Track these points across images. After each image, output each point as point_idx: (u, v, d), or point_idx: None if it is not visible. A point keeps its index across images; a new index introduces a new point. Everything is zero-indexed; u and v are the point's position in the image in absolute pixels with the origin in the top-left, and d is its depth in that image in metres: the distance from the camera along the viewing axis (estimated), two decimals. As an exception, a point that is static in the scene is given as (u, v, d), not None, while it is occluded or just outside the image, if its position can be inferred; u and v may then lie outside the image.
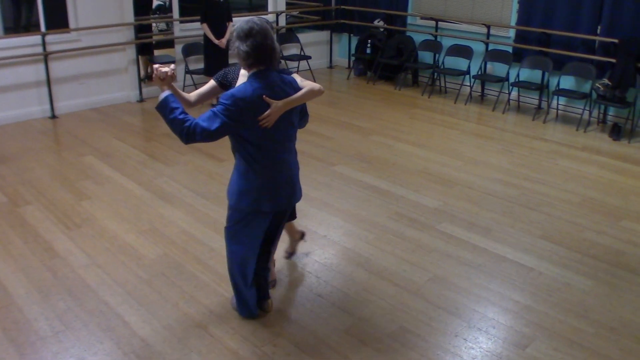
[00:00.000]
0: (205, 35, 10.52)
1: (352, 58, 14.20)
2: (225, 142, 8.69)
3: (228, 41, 10.64)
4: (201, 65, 11.17)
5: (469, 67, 11.73)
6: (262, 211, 4.50)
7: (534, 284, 5.51)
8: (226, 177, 7.71)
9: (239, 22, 4.26)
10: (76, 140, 9.05)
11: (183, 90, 4.78)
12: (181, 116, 4.05)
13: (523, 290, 5.42)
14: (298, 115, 4.54)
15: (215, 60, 10.66)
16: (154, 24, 13.22)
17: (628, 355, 4.62)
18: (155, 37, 12.88)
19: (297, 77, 4.49)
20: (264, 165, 4.38)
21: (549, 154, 8.88)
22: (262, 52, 4.16)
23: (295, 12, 14.70)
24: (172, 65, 4.27)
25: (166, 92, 4.16)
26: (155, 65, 4.21)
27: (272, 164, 4.42)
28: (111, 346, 4.58)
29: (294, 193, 4.67)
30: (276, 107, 4.18)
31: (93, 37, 10.36)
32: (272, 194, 4.47)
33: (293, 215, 5.42)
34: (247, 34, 4.13)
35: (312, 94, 4.45)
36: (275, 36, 4.35)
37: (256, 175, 4.40)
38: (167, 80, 4.22)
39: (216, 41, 10.42)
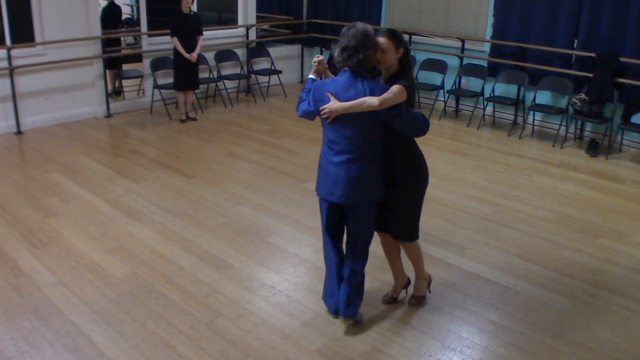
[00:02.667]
0: (175, 49, 10.56)
1: (324, 73, 14.23)
2: (193, 159, 8.69)
3: (198, 55, 10.72)
4: (170, 80, 11.21)
5: (443, 81, 11.85)
6: (318, 195, 5.05)
7: (509, 303, 5.55)
8: (195, 193, 7.76)
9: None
10: (42, 157, 9.04)
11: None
12: (302, 94, 5.03)
13: (498, 309, 5.46)
14: (374, 125, 4.82)
15: (185, 75, 10.71)
16: (122, 38, 13.23)
17: (603, 374, 4.70)
18: (123, 51, 12.88)
19: (393, 88, 4.69)
20: (324, 151, 4.95)
21: (524, 171, 8.98)
22: (346, 54, 4.72)
23: (265, 26, 14.78)
24: (321, 57, 5.10)
25: (310, 76, 5.09)
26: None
27: (329, 154, 4.90)
28: (78, 367, 4.60)
29: (344, 191, 4.86)
30: (332, 105, 4.71)
31: (60, 51, 10.36)
32: (322, 179, 4.97)
33: (396, 235, 5.31)
34: (341, 34, 4.84)
35: (361, 106, 4.67)
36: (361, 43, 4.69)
37: (320, 158, 5.00)
38: (314, 67, 5.08)
39: (186, 55, 10.46)
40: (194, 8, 11.23)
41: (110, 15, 12.19)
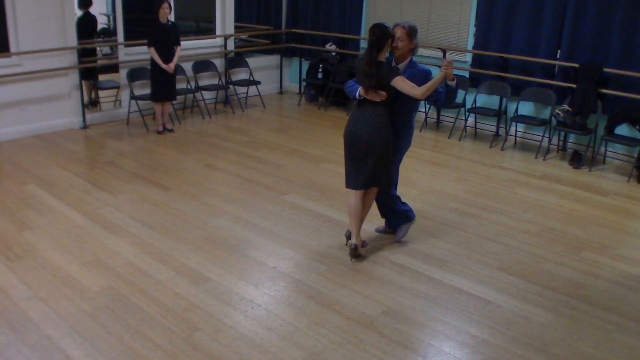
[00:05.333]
0: (152, 60, 10.59)
1: (303, 83, 14.35)
2: (171, 171, 8.68)
3: (176, 65, 10.73)
4: (147, 91, 11.23)
5: (424, 92, 11.86)
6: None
7: (491, 317, 5.58)
8: (172, 206, 7.78)
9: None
10: (17, 169, 9.03)
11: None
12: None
13: (480, 323, 5.49)
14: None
15: (162, 86, 10.75)
16: (98, 48, 13.23)
17: (585, 389, 4.75)
18: (99, 62, 12.86)
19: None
20: (412, 117, 7.21)
21: (507, 183, 9.05)
22: None
23: (244, 36, 14.81)
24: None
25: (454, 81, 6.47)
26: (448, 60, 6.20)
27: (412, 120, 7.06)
28: (53, 382, 4.61)
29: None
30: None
31: (35, 61, 10.34)
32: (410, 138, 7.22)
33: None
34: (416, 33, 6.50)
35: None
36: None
37: (411, 125, 7.22)
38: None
39: (164, 66, 10.49)
40: (172, 18, 11.27)
41: (86, 25, 12.15)
